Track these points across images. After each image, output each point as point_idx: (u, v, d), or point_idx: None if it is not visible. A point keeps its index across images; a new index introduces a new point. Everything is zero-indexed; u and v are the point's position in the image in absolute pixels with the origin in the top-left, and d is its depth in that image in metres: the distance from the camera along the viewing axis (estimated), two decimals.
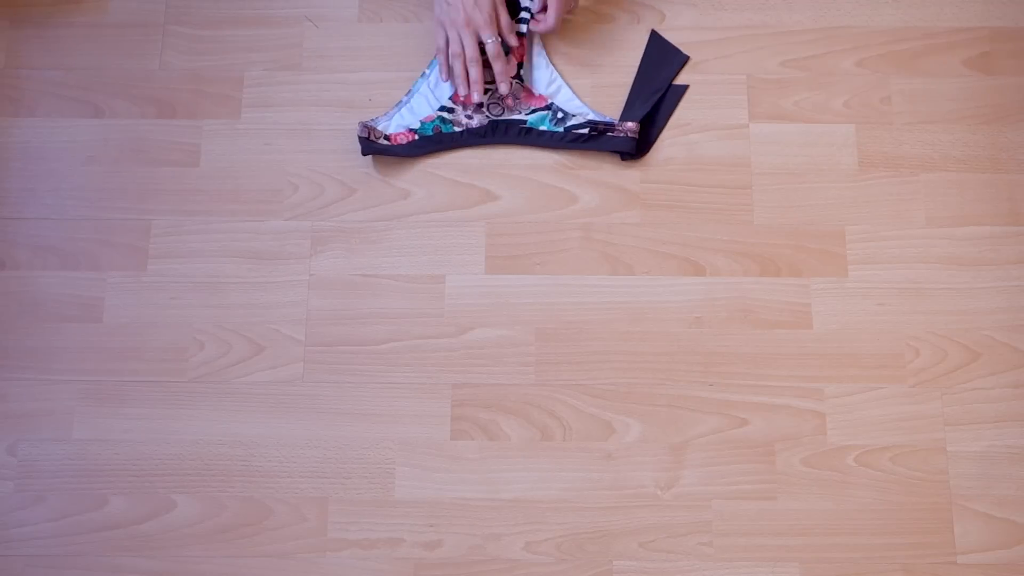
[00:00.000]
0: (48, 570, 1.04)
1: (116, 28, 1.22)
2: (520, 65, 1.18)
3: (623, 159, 1.15)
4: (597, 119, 1.15)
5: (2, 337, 1.11)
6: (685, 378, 1.10)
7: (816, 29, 1.22)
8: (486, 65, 1.15)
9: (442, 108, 1.17)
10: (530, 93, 1.18)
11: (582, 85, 1.19)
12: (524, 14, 1.19)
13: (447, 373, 1.10)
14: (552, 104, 1.17)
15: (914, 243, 1.14)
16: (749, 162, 1.17)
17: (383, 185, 1.16)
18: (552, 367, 1.10)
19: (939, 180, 1.16)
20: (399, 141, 1.15)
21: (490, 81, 1.18)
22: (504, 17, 1.16)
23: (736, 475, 1.07)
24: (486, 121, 1.17)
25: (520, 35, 1.19)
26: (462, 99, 1.16)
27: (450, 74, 1.16)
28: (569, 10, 1.19)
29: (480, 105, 1.17)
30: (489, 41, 1.14)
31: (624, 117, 1.15)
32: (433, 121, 1.16)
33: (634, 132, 1.13)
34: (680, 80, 1.19)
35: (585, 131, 1.15)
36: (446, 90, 1.18)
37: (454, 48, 1.15)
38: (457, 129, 1.16)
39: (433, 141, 1.16)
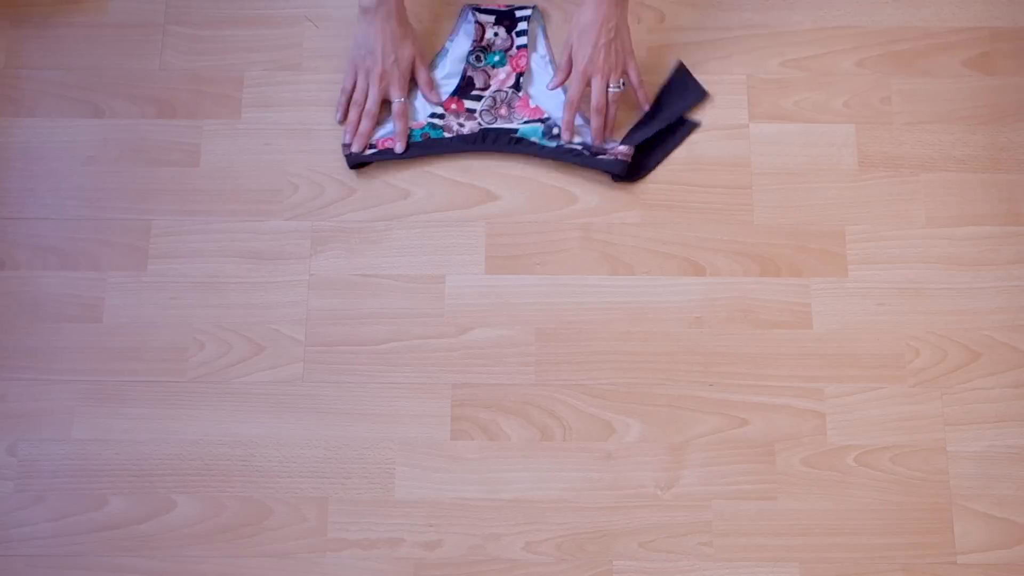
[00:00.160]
0: (48, 570, 1.04)
1: (116, 28, 1.22)
2: (520, 75, 1.18)
3: (614, 180, 1.15)
4: (592, 142, 1.14)
5: (2, 337, 1.11)
6: (685, 378, 1.10)
7: (816, 29, 1.22)
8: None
9: (433, 115, 1.16)
10: (525, 103, 1.17)
11: None
12: (521, 24, 1.19)
13: (447, 373, 1.10)
14: (548, 119, 1.16)
15: (914, 243, 1.14)
16: (749, 162, 1.17)
17: (383, 185, 1.16)
18: (552, 367, 1.10)
19: (939, 180, 1.16)
20: (386, 147, 1.14)
21: (482, 88, 1.17)
22: (423, 75, 1.16)
23: (736, 475, 1.07)
24: (477, 128, 1.16)
25: (521, 47, 1.18)
26: (350, 140, 1.16)
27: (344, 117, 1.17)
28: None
29: (472, 112, 1.17)
30: (397, 100, 1.15)
31: (624, 140, 1.14)
32: (423, 128, 1.15)
33: (626, 156, 1.12)
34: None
35: (578, 147, 1.14)
36: (440, 96, 1.17)
37: (357, 96, 1.15)
38: (447, 135, 1.15)
39: (421, 147, 1.15)
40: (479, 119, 1.16)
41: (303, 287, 1.12)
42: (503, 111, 1.17)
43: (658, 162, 1.15)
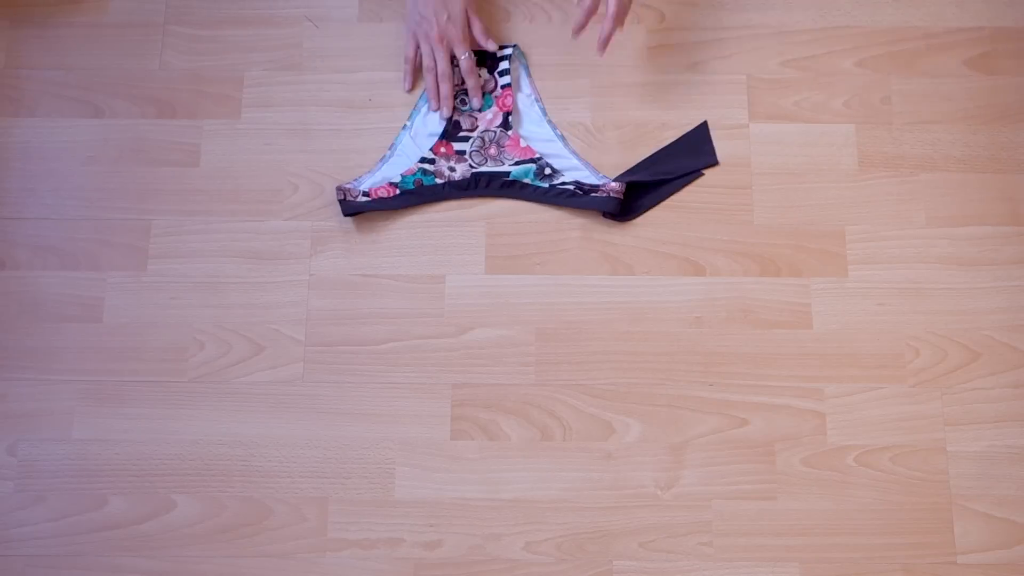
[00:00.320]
0: (48, 570, 1.04)
1: (116, 28, 1.22)
2: (507, 115, 1.17)
3: (604, 217, 1.14)
4: (584, 181, 1.13)
5: (2, 337, 1.11)
6: (685, 378, 1.10)
7: (816, 29, 1.22)
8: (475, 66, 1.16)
9: (423, 160, 1.15)
10: (515, 143, 1.16)
11: (581, 85, 1.19)
12: (503, 64, 1.18)
13: (447, 373, 1.10)
14: (540, 159, 1.15)
15: (914, 243, 1.14)
16: (749, 162, 1.17)
17: None
18: (552, 367, 1.10)
19: (939, 180, 1.16)
20: (379, 195, 1.13)
21: (470, 130, 1.17)
22: (477, 26, 1.16)
23: (736, 475, 1.07)
24: (468, 173, 1.15)
25: (504, 86, 1.18)
26: (436, 107, 1.16)
27: (420, 85, 1.16)
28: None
29: (462, 153, 1.16)
30: (463, 56, 1.14)
31: (618, 178, 1.14)
32: (415, 174, 1.14)
33: (617, 192, 1.12)
34: (679, 79, 1.19)
35: (570, 188, 1.14)
36: (427, 140, 1.17)
37: (427, 63, 1.15)
38: (439, 181, 1.15)
39: (414, 195, 1.14)
40: (469, 160, 1.16)
41: (303, 287, 1.12)
42: (492, 151, 1.16)
43: (653, 204, 1.15)
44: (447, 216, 1.15)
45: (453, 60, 1.16)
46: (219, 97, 1.19)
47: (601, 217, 1.14)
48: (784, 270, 1.13)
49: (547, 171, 1.14)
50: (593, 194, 1.12)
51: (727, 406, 1.08)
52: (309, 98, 1.19)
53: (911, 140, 1.18)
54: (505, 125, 1.17)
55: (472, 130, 1.17)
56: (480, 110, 1.17)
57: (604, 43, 1.07)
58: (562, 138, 1.17)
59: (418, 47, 1.16)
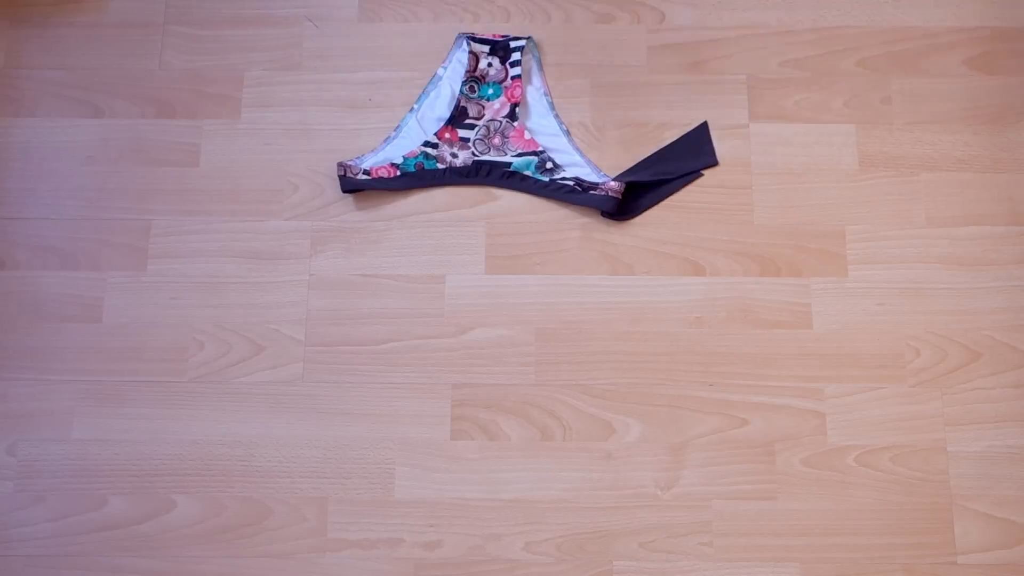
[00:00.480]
0: (48, 570, 1.04)
1: (116, 28, 1.22)
2: (515, 106, 1.18)
3: (603, 215, 1.14)
4: (585, 178, 1.14)
5: (2, 337, 1.11)
6: (685, 378, 1.10)
7: (816, 29, 1.22)
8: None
9: (426, 143, 1.16)
10: (520, 135, 1.16)
11: (581, 85, 1.19)
12: (515, 55, 1.18)
13: (447, 373, 1.10)
14: (543, 152, 1.15)
15: (914, 243, 1.14)
16: (749, 162, 1.17)
17: None
18: (552, 367, 1.10)
19: (939, 180, 1.16)
20: (379, 175, 1.13)
21: (476, 118, 1.17)
22: None
23: (736, 475, 1.07)
24: (470, 160, 1.16)
25: (515, 78, 1.18)
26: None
27: None
28: None
29: (466, 140, 1.16)
30: None
31: (617, 177, 1.14)
32: (416, 157, 1.15)
33: (616, 192, 1.12)
34: (679, 77, 1.19)
35: (570, 183, 1.14)
36: (433, 124, 1.17)
37: None
38: (440, 167, 1.15)
39: (415, 177, 1.15)
40: (472, 148, 1.16)
41: (303, 287, 1.12)
42: (496, 140, 1.16)
43: (653, 204, 1.15)
44: (447, 216, 1.15)
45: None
46: (219, 97, 1.19)
47: (601, 217, 1.14)
48: (784, 270, 1.13)
49: (548, 165, 1.14)
50: (592, 192, 1.12)
51: (727, 406, 1.08)
52: (309, 98, 1.19)
53: (911, 140, 1.18)
54: (511, 116, 1.17)
55: (479, 118, 1.17)
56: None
57: None
58: (567, 133, 1.17)
59: None
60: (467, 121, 1.17)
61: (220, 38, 1.21)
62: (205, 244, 1.14)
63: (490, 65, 1.18)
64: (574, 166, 1.15)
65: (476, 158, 1.16)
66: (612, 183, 1.12)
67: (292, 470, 1.07)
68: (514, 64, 1.18)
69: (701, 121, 1.18)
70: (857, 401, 1.09)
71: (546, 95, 1.19)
